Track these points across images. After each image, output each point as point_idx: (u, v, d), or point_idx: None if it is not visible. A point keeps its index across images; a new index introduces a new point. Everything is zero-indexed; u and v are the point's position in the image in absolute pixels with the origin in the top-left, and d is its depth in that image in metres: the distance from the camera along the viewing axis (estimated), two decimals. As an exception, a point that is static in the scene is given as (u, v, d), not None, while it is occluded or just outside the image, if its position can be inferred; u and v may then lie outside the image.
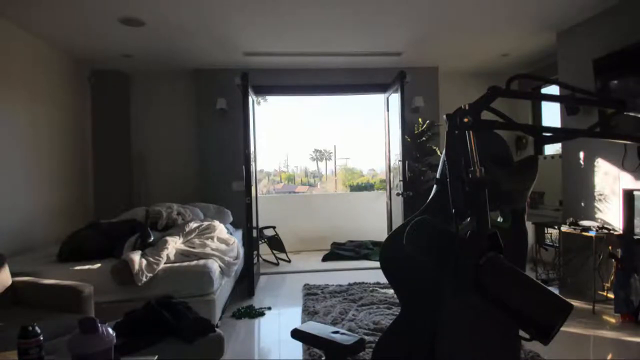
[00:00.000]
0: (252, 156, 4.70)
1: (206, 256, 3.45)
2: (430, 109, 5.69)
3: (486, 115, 1.23)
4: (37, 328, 1.51)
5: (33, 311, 2.54)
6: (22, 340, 1.49)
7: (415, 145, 5.50)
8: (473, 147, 1.15)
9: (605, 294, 3.73)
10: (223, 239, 3.98)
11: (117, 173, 5.52)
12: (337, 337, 1.81)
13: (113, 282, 3.04)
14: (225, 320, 3.64)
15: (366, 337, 2.99)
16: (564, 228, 3.97)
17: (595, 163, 4.03)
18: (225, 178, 5.56)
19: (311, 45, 4.79)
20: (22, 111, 4.01)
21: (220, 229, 4.11)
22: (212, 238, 3.85)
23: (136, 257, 3.11)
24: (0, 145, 3.70)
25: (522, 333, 1.08)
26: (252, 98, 4.91)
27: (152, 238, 3.48)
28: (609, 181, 3.86)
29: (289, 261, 5.91)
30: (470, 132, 1.17)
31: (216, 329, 2.31)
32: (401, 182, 4.61)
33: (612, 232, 3.63)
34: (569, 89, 1.39)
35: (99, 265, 3.19)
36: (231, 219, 5.12)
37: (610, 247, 3.68)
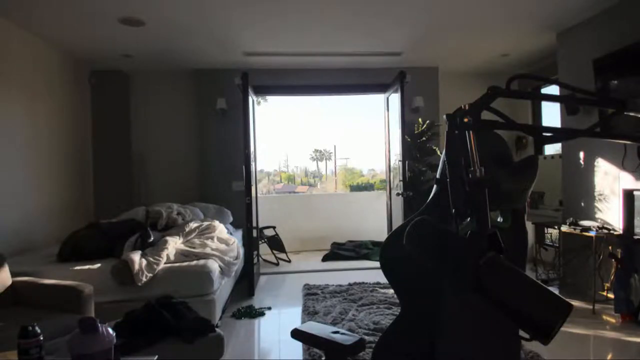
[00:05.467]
0: (252, 156, 4.70)
1: (206, 256, 3.45)
2: (430, 109, 5.69)
3: (486, 115, 1.23)
4: (37, 328, 1.51)
5: (33, 311, 2.54)
6: (22, 340, 1.49)
7: (415, 145, 5.50)
8: (473, 147, 1.15)
9: (605, 294, 3.73)
10: (223, 239, 3.98)
11: (117, 173, 5.52)
12: (337, 337, 1.81)
13: (113, 282, 3.04)
14: (225, 320, 3.64)
15: (366, 337, 2.99)
16: (564, 228, 3.96)
17: (595, 163, 4.03)
18: (225, 178, 5.56)
19: (311, 45, 4.79)
20: (22, 111, 4.01)
21: (220, 229, 4.11)
22: (212, 238, 3.85)
23: (136, 257, 3.11)
24: (0, 145, 3.70)
25: (522, 333, 1.08)
26: (252, 98, 4.91)
27: (152, 238, 3.47)
28: (609, 181, 3.86)
29: (289, 261, 5.91)
30: (470, 132, 1.17)
31: (216, 329, 2.31)
32: (401, 182, 4.61)
33: (612, 232, 3.63)
34: (569, 89, 1.39)
35: (99, 265, 3.19)
36: (231, 219, 5.12)
37: (610, 247, 3.69)
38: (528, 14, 3.99)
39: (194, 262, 3.32)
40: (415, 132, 5.53)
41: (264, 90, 5.73)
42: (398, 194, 4.70)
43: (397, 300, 2.64)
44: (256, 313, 3.78)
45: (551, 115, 5.82)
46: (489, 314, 1.16)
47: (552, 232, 4.81)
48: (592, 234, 3.64)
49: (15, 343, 1.50)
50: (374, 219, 6.49)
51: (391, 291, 3.98)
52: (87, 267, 3.16)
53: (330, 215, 6.95)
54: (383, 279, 4.29)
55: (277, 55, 5.10)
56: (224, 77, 5.47)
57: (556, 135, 1.57)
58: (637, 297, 3.32)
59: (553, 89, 5.34)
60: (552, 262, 4.52)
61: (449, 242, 1.17)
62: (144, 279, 3.04)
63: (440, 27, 4.33)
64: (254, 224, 4.66)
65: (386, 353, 1.60)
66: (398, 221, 4.80)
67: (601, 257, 3.71)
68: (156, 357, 1.73)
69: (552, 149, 5.46)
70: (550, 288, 1.17)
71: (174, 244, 3.45)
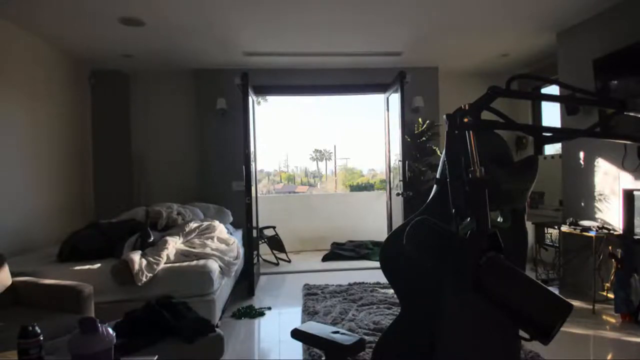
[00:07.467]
0: (252, 156, 4.70)
1: (206, 256, 3.45)
2: (430, 109, 5.69)
3: (486, 115, 1.23)
4: (37, 328, 1.51)
5: (33, 311, 2.54)
6: (22, 340, 1.49)
7: (415, 145, 5.50)
8: (473, 147, 1.15)
9: (605, 294, 3.73)
10: (223, 239, 3.98)
11: (117, 173, 5.52)
12: (337, 337, 1.81)
13: (113, 282, 3.04)
14: (225, 320, 3.64)
15: (366, 337, 2.98)
16: (564, 228, 3.96)
17: (595, 163, 4.03)
18: (225, 178, 5.56)
19: (311, 45, 4.79)
20: (22, 111, 4.01)
21: (220, 229, 4.11)
22: (212, 238, 3.84)
23: (136, 257, 3.11)
24: (0, 145, 3.70)
25: (522, 333, 1.09)
26: (252, 98, 4.91)
27: (152, 238, 3.47)
28: (609, 181, 3.86)
29: (289, 261, 5.91)
30: (470, 132, 1.17)
31: (216, 329, 2.31)
32: (401, 182, 4.61)
33: (612, 232, 3.63)
34: (569, 89, 1.39)
35: (99, 265, 3.19)
36: (231, 219, 5.12)
37: (610, 247, 3.68)
38: (528, 14, 3.99)
39: (194, 262, 3.32)
40: (415, 132, 5.53)
41: (264, 90, 5.73)
42: (398, 194, 4.70)
43: (397, 300, 2.64)
44: (256, 313, 3.78)
45: (551, 115, 5.83)
46: (489, 314, 1.16)
47: (552, 232, 4.81)
48: (592, 234, 3.64)
49: (15, 343, 1.50)
50: (374, 219, 6.49)
51: (391, 291, 3.98)
52: (87, 267, 3.16)
53: (330, 215, 6.95)
54: (383, 279, 4.29)
55: (277, 55, 5.10)
56: (224, 77, 5.46)
57: (556, 135, 1.57)
58: (637, 297, 3.31)
59: (553, 89, 5.34)
60: (552, 262, 4.52)
61: (449, 242, 1.17)
62: (144, 279, 3.04)
63: (440, 27, 4.33)
64: (254, 224, 4.66)
65: (386, 353, 1.60)
66: (398, 221, 4.80)
67: (601, 257, 3.71)
68: (156, 357, 1.73)
69: (552, 149, 5.46)
70: (550, 288, 1.17)
71: (174, 244, 3.45)
